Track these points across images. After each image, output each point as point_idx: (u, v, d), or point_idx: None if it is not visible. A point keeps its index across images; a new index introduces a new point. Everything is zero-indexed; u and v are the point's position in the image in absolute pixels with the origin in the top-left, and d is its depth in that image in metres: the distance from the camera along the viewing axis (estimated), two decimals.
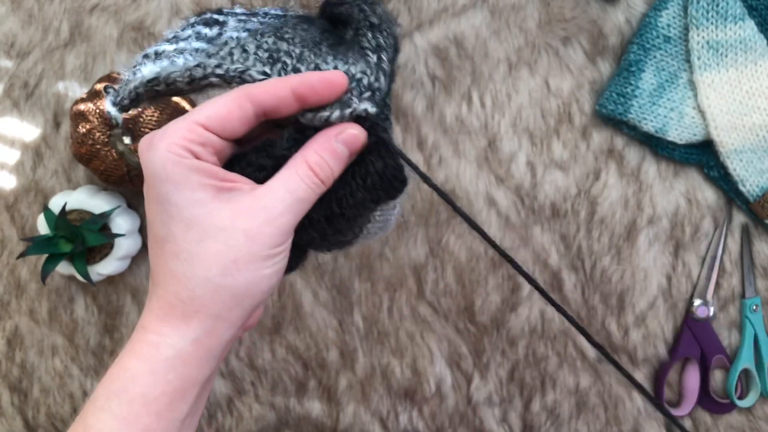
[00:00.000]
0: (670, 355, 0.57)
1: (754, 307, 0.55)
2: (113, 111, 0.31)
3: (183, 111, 0.52)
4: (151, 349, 0.28)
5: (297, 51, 0.31)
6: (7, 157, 0.59)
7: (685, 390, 0.57)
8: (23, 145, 0.59)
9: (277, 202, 0.28)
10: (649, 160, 0.56)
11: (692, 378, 0.57)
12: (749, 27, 0.52)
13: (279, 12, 0.37)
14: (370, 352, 0.58)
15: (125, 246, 0.55)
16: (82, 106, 0.50)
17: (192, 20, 0.35)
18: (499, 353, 0.58)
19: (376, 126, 0.30)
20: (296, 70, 0.30)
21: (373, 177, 0.30)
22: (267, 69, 0.30)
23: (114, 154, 0.50)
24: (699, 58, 0.53)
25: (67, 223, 0.52)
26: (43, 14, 0.58)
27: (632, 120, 0.54)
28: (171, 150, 0.27)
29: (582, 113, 0.56)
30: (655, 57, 0.54)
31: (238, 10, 0.37)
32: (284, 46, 0.31)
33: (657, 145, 0.55)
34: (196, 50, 0.32)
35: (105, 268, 0.54)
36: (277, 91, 0.28)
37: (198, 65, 0.29)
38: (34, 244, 0.52)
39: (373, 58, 0.31)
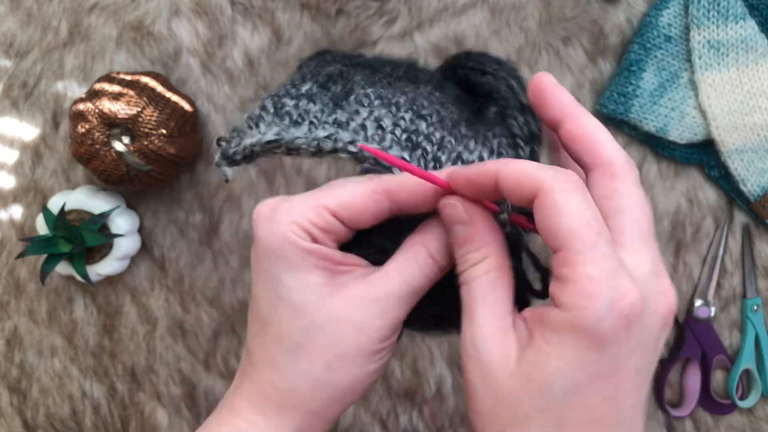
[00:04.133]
0: (671, 355, 0.57)
1: (755, 307, 0.55)
2: (223, 165, 0.29)
3: (182, 111, 0.52)
4: None
5: (437, 136, 0.27)
6: (6, 157, 0.59)
7: (686, 390, 0.57)
8: (22, 144, 0.59)
9: (390, 292, 0.25)
10: (649, 159, 0.56)
11: (693, 378, 0.56)
12: (750, 26, 0.52)
13: (406, 63, 0.33)
14: None
15: (125, 246, 0.55)
16: (81, 106, 0.50)
17: (312, 67, 0.32)
18: None
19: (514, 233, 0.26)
20: (436, 159, 0.27)
21: None
22: (405, 155, 0.27)
23: (113, 154, 0.50)
24: (700, 58, 0.53)
25: (66, 223, 0.52)
26: (42, 14, 0.58)
27: (633, 120, 0.54)
28: (292, 229, 0.25)
29: None
30: (656, 56, 0.54)
31: (359, 58, 0.33)
32: (423, 126, 0.27)
33: (658, 145, 0.55)
34: (322, 111, 0.28)
35: (104, 268, 0.54)
36: (420, 191, 0.25)
37: (328, 136, 0.26)
38: (33, 244, 0.52)
39: (526, 150, 0.28)
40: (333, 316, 0.25)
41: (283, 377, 0.26)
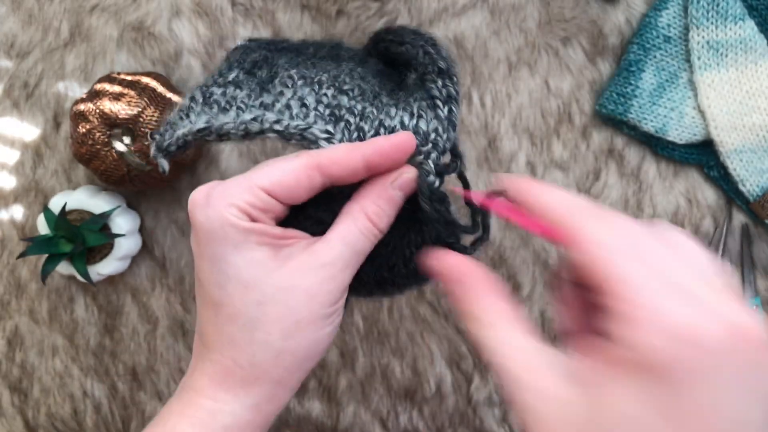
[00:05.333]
0: None
1: (755, 307, 0.56)
2: (159, 158, 0.30)
3: None
4: (206, 416, 0.27)
5: (359, 107, 0.29)
6: (7, 157, 0.59)
7: None
8: (23, 145, 0.59)
9: (336, 257, 0.26)
10: (649, 160, 0.56)
11: None
12: (749, 27, 0.52)
13: (329, 43, 0.35)
14: (370, 352, 0.58)
15: (125, 246, 0.55)
16: (82, 106, 0.50)
17: (238, 56, 0.33)
18: None
19: (435, 195, 0.28)
20: (359, 129, 0.28)
21: (429, 245, 0.28)
22: (330, 128, 0.28)
23: (114, 154, 0.50)
24: (699, 58, 0.53)
25: (67, 223, 0.52)
26: (43, 14, 0.58)
27: (632, 120, 0.54)
28: (229, 211, 0.26)
29: (582, 113, 0.56)
30: (655, 57, 0.54)
31: (284, 43, 0.34)
32: (345, 101, 0.29)
33: (657, 145, 0.55)
34: (249, 96, 0.29)
35: (105, 268, 0.54)
36: (349, 162, 0.27)
37: (254, 119, 0.28)
38: (34, 244, 0.52)
39: (444, 110, 0.29)
40: (283, 286, 0.26)
41: (243, 352, 0.26)
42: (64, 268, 0.54)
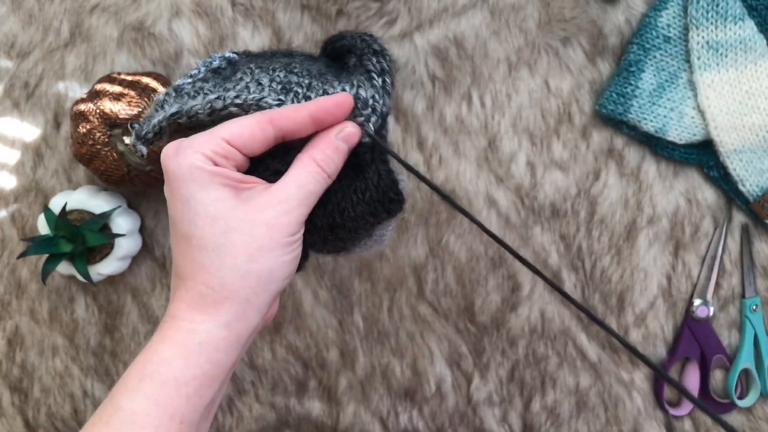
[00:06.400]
0: (670, 354, 0.57)
1: (754, 307, 0.56)
2: (138, 145, 0.35)
3: None
4: (184, 335, 0.30)
5: (306, 81, 0.34)
6: (8, 157, 0.59)
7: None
8: (23, 145, 0.59)
9: (291, 196, 0.31)
10: (648, 160, 0.56)
11: (692, 378, 0.57)
12: (749, 27, 0.52)
13: (285, 50, 0.40)
14: (370, 352, 0.58)
15: (125, 246, 0.55)
16: (82, 106, 0.50)
17: (207, 61, 0.38)
18: (499, 353, 0.58)
19: (375, 143, 0.33)
20: (307, 98, 0.33)
21: (372, 191, 0.33)
22: (282, 97, 0.33)
23: (114, 155, 0.50)
24: (699, 58, 0.53)
25: (67, 223, 0.52)
26: (43, 14, 0.58)
27: (632, 120, 0.54)
28: (196, 157, 0.30)
29: (582, 113, 0.56)
30: (654, 57, 0.54)
31: (244, 52, 0.40)
32: (294, 78, 0.34)
33: (657, 145, 0.55)
34: (214, 86, 0.35)
35: (105, 268, 0.55)
36: (296, 116, 0.31)
37: (218, 97, 0.32)
38: (35, 244, 0.52)
39: (379, 81, 0.35)
40: (246, 219, 0.30)
41: (213, 275, 0.30)
42: (64, 268, 0.54)
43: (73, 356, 0.60)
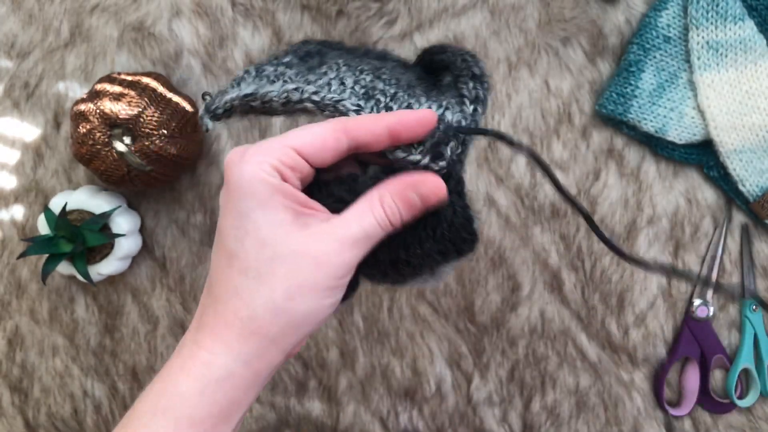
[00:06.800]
0: (670, 354, 0.57)
1: (754, 306, 0.56)
2: (205, 118, 0.33)
3: (183, 111, 0.52)
4: (202, 369, 0.28)
5: (392, 91, 0.31)
6: (8, 157, 0.59)
7: (684, 390, 0.57)
8: (24, 145, 0.59)
9: (348, 235, 0.28)
10: (648, 160, 0.56)
11: (692, 378, 0.57)
12: (749, 27, 0.52)
13: (379, 50, 0.38)
14: (370, 352, 0.58)
15: (126, 246, 0.55)
16: (82, 106, 0.50)
17: (295, 47, 0.36)
18: (499, 353, 0.58)
19: (453, 178, 0.30)
20: (388, 108, 0.30)
21: (444, 228, 0.30)
22: (361, 103, 0.30)
23: (114, 155, 0.50)
24: (699, 58, 0.53)
25: (67, 223, 0.52)
26: (43, 14, 0.58)
27: (632, 120, 0.54)
28: (262, 167, 0.27)
29: (582, 113, 0.56)
30: (654, 57, 0.54)
31: (338, 44, 0.38)
32: (380, 85, 0.31)
33: (657, 145, 0.55)
34: (296, 74, 0.32)
35: (105, 268, 0.55)
36: (373, 127, 0.29)
37: (296, 89, 0.30)
38: (35, 244, 0.52)
39: (470, 108, 0.32)
40: (295, 249, 0.27)
41: (245, 304, 0.28)
42: (64, 268, 0.54)
43: (73, 356, 0.60)
